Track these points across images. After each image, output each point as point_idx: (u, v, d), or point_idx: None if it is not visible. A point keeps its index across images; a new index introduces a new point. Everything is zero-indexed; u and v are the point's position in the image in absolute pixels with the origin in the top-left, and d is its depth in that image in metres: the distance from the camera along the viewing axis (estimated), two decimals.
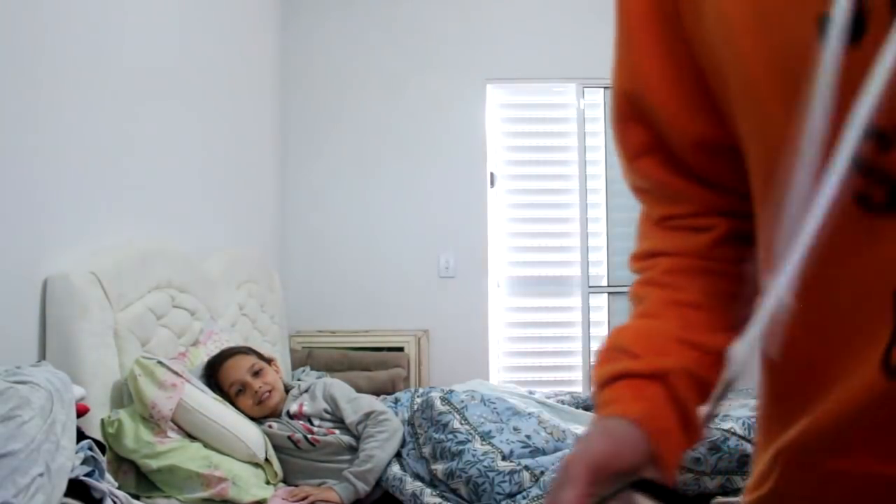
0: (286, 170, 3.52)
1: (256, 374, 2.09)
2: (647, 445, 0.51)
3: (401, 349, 3.21)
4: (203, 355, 2.14)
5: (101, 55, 1.92)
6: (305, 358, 3.48)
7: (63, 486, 1.20)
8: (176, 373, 1.80)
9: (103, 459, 1.38)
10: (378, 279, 3.49)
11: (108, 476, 1.38)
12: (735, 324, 0.56)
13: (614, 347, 0.57)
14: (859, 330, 0.42)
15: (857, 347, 0.42)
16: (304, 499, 1.87)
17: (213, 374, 2.06)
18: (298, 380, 2.32)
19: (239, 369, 2.07)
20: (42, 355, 1.60)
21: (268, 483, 1.92)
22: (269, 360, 2.22)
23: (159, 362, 1.78)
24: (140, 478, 1.73)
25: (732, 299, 0.57)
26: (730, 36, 0.43)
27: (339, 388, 2.17)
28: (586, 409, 2.49)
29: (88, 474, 1.29)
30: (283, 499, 1.87)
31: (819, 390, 0.45)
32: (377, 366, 3.09)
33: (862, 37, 0.36)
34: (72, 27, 1.77)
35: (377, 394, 2.47)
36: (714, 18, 0.45)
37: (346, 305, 3.48)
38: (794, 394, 0.48)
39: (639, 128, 0.56)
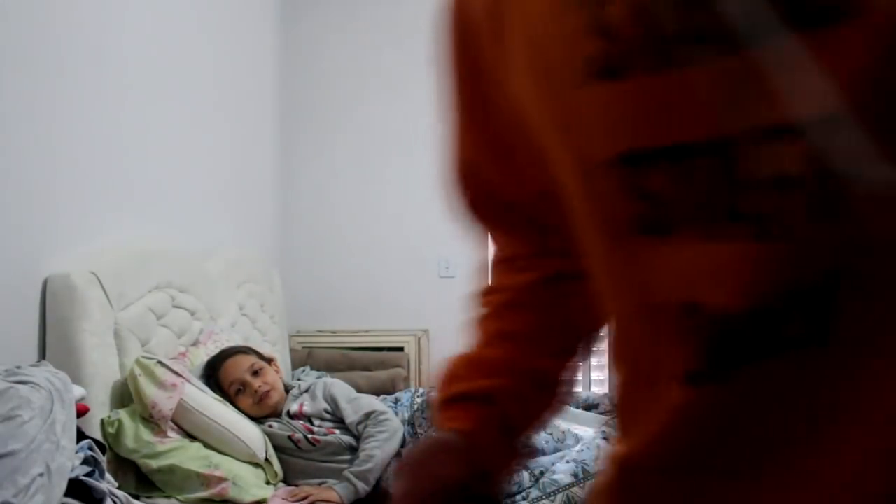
0: (286, 170, 3.52)
1: (256, 373, 2.09)
2: (474, 459, 0.58)
3: (401, 349, 3.21)
4: (203, 355, 2.14)
5: (101, 56, 1.92)
6: (305, 358, 3.48)
7: (63, 486, 1.20)
8: (176, 373, 1.80)
9: (103, 459, 1.38)
10: (378, 279, 3.49)
11: (108, 476, 1.38)
12: (561, 350, 0.64)
13: (451, 374, 0.63)
14: (661, 347, 0.43)
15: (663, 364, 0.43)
16: (304, 499, 1.87)
17: (213, 374, 2.06)
18: (298, 380, 2.32)
19: (239, 368, 2.07)
20: (42, 355, 1.60)
21: (268, 483, 1.91)
22: (269, 360, 2.23)
23: (159, 362, 1.78)
24: (140, 478, 1.73)
25: (559, 329, 0.64)
26: (520, 96, 0.48)
27: (339, 387, 2.17)
28: (587, 408, 2.48)
29: (88, 474, 1.29)
30: (284, 499, 1.87)
31: (643, 409, 0.45)
32: (377, 366, 3.08)
33: (622, 74, 0.40)
34: (72, 27, 1.77)
35: (377, 394, 2.47)
36: (514, 84, 0.48)
37: (346, 305, 3.48)
38: (626, 408, 0.49)
39: (471, 190, 0.62)
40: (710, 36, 0.37)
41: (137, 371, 1.72)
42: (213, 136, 2.79)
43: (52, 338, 1.61)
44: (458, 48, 0.55)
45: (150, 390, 1.72)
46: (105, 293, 1.72)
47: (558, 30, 0.43)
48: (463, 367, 0.63)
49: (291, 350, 3.44)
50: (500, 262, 0.66)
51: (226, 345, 2.23)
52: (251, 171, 3.26)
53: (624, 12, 0.39)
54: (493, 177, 0.59)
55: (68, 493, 1.21)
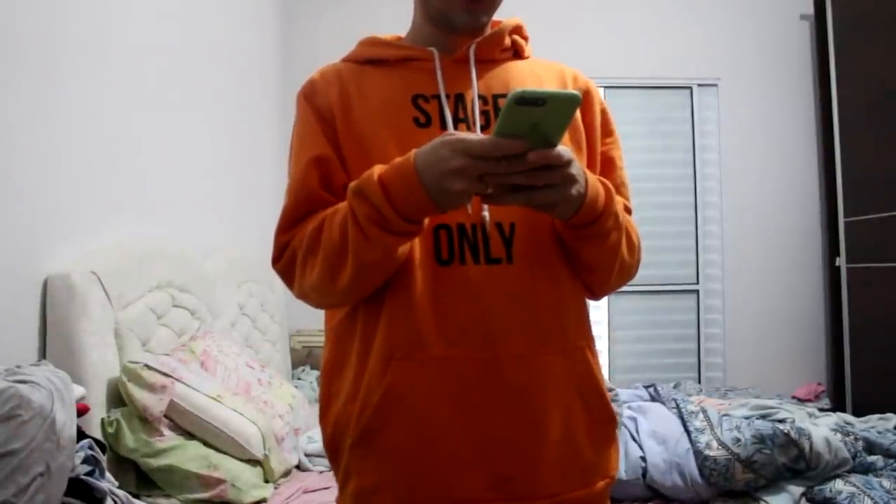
0: (286, 169, 3.52)
1: None
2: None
3: None
4: (202, 346, 2.10)
5: (101, 56, 1.92)
6: (305, 357, 3.48)
7: (63, 485, 1.20)
8: (164, 373, 1.78)
9: (103, 459, 1.38)
10: None
11: (108, 475, 1.38)
12: None
13: (358, 193, 0.85)
14: None
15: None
16: None
17: None
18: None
19: None
20: (42, 355, 1.60)
21: (267, 482, 1.91)
22: None
23: (146, 365, 1.76)
24: (140, 477, 1.73)
25: None
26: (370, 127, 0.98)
27: None
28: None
29: (89, 473, 1.29)
30: None
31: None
32: None
33: (427, 126, 0.97)
34: (72, 26, 1.77)
35: None
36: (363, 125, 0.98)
37: None
38: None
39: (317, 174, 0.98)
40: (462, 122, 0.98)
41: (124, 377, 1.71)
42: (214, 136, 2.79)
43: (52, 337, 1.61)
44: (316, 103, 1.02)
45: (138, 394, 1.71)
46: (105, 293, 1.72)
47: (399, 108, 0.98)
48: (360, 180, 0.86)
49: (291, 349, 3.44)
50: (317, 208, 0.96)
51: (223, 345, 2.21)
52: (251, 171, 3.26)
53: (431, 108, 0.99)
54: (332, 168, 0.98)
55: (69, 493, 1.21)
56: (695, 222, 4.07)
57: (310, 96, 1.04)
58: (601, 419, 0.97)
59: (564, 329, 0.95)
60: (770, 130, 4.13)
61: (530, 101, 0.72)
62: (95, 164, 1.88)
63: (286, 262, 0.97)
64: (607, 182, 0.92)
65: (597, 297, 1.04)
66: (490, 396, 0.89)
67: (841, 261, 3.64)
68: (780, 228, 4.09)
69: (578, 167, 0.83)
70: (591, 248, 0.93)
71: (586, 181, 0.85)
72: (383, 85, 1.01)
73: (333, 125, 0.99)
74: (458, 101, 0.99)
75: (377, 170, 0.85)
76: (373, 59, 1.05)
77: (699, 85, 4.10)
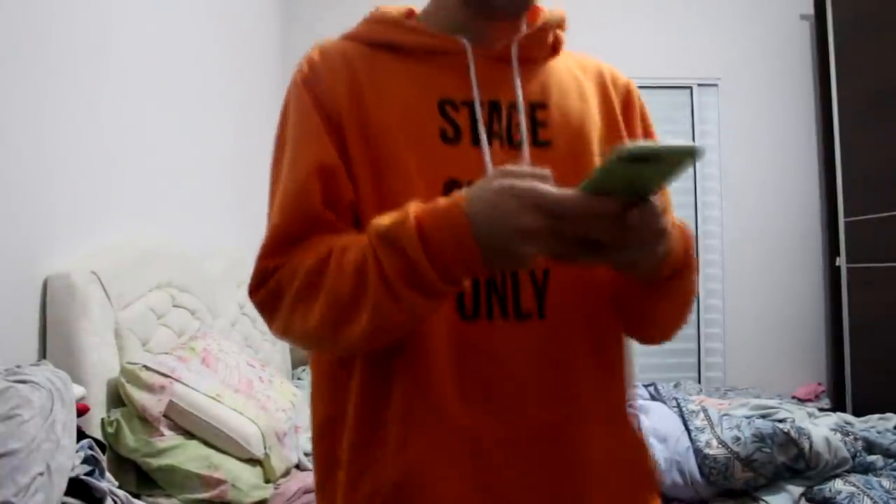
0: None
1: None
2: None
3: None
4: (202, 346, 2.10)
5: (100, 55, 1.92)
6: (305, 357, 3.47)
7: (63, 485, 1.20)
8: (163, 374, 1.78)
9: (103, 459, 1.38)
10: None
11: (108, 475, 1.38)
12: None
13: (381, 237, 0.68)
14: None
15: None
16: None
17: None
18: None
19: None
20: (42, 355, 1.60)
21: (267, 482, 1.90)
22: None
23: (144, 366, 1.76)
24: (141, 476, 1.73)
25: None
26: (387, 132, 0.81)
27: None
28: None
29: (89, 473, 1.29)
30: None
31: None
32: None
33: (460, 140, 0.81)
34: (70, 25, 1.77)
35: None
36: (377, 128, 0.81)
37: None
38: None
39: (320, 186, 0.79)
40: (495, 138, 0.82)
41: (123, 379, 1.71)
42: (214, 136, 2.79)
43: (52, 337, 1.61)
44: (319, 94, 0.83)
45: (137, 395, 1.71)
46: (105, 292, 1.72)
47: (423, 115, 0.81)
48: (381, 222, 0.70)
49: (291, 349, 3.44)
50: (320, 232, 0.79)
51: (223, 345, 2.20)
52: (251, 170, 3.26)
53: (461, 118, 0.82)
54: (339, 180, 0.79)
55: (68, 493, 1.21)
56: (695, 222, 4.07)
57: (310, 82, 0.86)
58: (644, 487, 0.85)
59: (605, 394, 0.83)
60: (770, 130, 4.13)
61: (639, 159, 0.58)
62: (95, 163, 1.88)
63: (268, 295, 0.81)
64: (682, 223, 0.80)
65: (643, 343, 0.91)
66: (520, 476, 0.77)
67: (841, 261, 3.64)
68: (780, 228, 4.09)
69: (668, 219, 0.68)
70: (663, 303, 0.81)
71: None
72: (403, 82, 0.83)
73: (339, 122, 0.81)
74: (493, 109, 0.82)
75: (413, 212, 0.66)
76: (388, 43, 0.86)
77: (699, 85, 4.10)
